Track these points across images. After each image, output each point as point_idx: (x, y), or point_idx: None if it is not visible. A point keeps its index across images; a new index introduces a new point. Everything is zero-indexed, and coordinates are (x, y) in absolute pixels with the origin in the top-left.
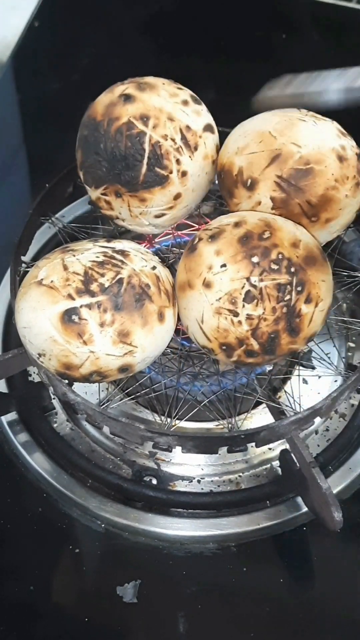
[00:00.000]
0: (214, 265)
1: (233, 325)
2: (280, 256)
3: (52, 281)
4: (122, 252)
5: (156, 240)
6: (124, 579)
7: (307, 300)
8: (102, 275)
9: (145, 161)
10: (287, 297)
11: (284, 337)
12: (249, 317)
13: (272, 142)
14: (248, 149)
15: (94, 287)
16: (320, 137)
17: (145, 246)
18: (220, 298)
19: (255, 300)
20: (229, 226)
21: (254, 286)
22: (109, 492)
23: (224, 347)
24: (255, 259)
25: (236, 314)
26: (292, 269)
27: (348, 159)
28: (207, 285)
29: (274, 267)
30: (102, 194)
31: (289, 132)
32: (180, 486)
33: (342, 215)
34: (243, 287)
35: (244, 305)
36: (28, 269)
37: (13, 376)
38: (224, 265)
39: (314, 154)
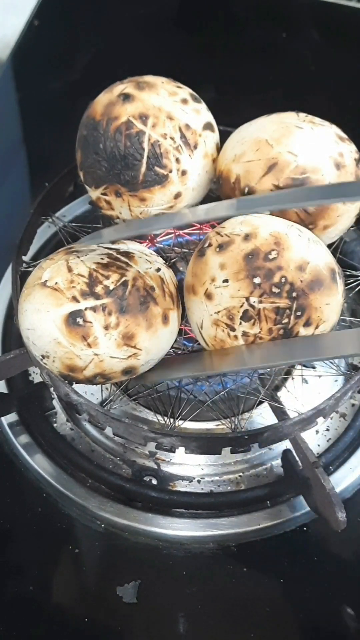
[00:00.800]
0: (217, 279)
1: (229, 338)
2: (283, 280)
3: (56, 283)
4: (127, 254)
5: (157, 239)
6: (124, 579)
7: (307, 324)
8: (107, 277)
9: (144, 160)
10: (285, 321)
11: None
12: (245, 334)
13: (269, 150)
14: (245, 157)
15: (98, 289)
16: (316, 145)
17: (146, 246)
18: (219, 311)
19: (253, 320)
20: (239, 237)
21: (252, 307)
22: (109, 492)
23: None
24: (257, 280)
25: (233, 329)
26: (294, 294)
27: (346, 165)
28: (208, 296)
29: (275, 290)
30: (102, 194)
31: (285, 141)
32: (181, 486)
33: (340, 222)
34: (242, 306)
35: (240, 323)
36: (28, 269)
37: (13, 377)
38: (226, 281)
39: (310, 162)
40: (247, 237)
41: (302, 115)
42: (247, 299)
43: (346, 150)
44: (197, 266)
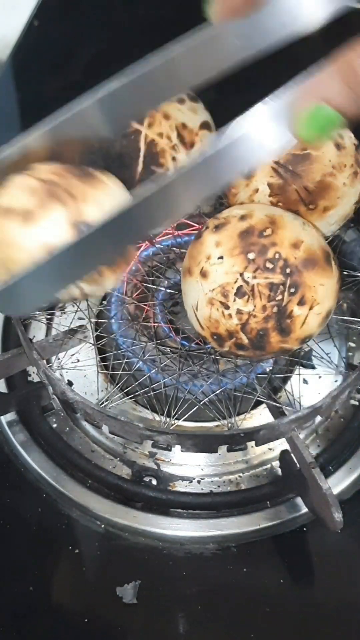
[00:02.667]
0: (212, 256)
1: (224, 317)
2: (277, 256)
3: None
4: None
5: (156, 239)
6: (123, 579)
7: (301, 302)
8: None
9: (140, 160)
10: (279, 297)
11: (273, 336)
12: (239, 312)
13: None
14: None
15: None
16: None
17: (145, 246)
18: (213, 289)
19: (246, 296)
20: (235, 218)
21: (246, 282)
22: (108, 493)
23: (215, 337)
24: (251, 256)
25: (227, 307)
26: (288, 270)
27: (346, 147)
28: (203, 274)
29: (269, 265)
30: None
31: None
32: (180, 486)
33: (340, 205)
34: (236, 282)
35: (234, 300)
36: None
37: (12, 376)
38: (221, 257)
39: None
40: (243, 217)
41: None
42: (242, 275)
43: (345, 134)
44: (194, 248)
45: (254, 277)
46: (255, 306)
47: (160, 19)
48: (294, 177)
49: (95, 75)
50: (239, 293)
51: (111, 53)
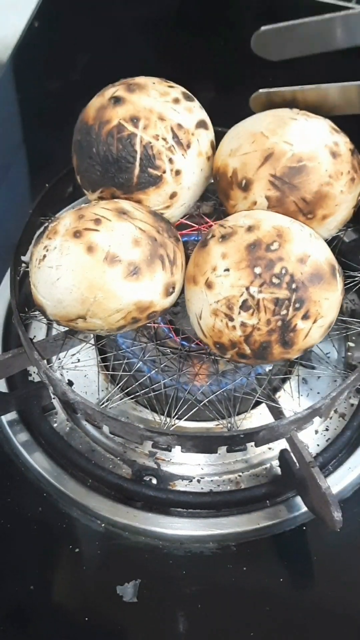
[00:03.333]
0: (218, 268)
1: (227, 329)
2: (283, 271)
3: None
4: None
5: None
6: (124, 578)
7: (305, 317)
8: None
9: (137, 163)
10: (284, 312)
11: (276, 348)
12: (243, 324)
13: (264, 141)
14: (241, 150)
15: None
16: (312, 134)
17: None
18: (218, 300)
19: (251, 310)
20: (242, 229)
21: (252, 296)
22: (108, 492)
23: (217, 346)
24: (257, 270)
25: (231, 319)
26: (294, 285)
27: (341, 154)
28: (208, 285)
29: (275, 281)
30: (99, 197)
31: (281, 131)
32: (180, 486)
33: (338, 212)
34: (241, 295)
35: (239, 313)
36: (28, 269)
37: (13, 376)
38: (227, 270)
39: (306, 151)
40: (250, 229)
41: (296, 110)
42: (247, 289)
43: (341, 140)
44: (199, 256)
45: (260, 292)
46: (259, 320)
47: (160, 19)
48: (291, 189)
49: (94, 75)
50: (244, 306)
51: (111, 53)
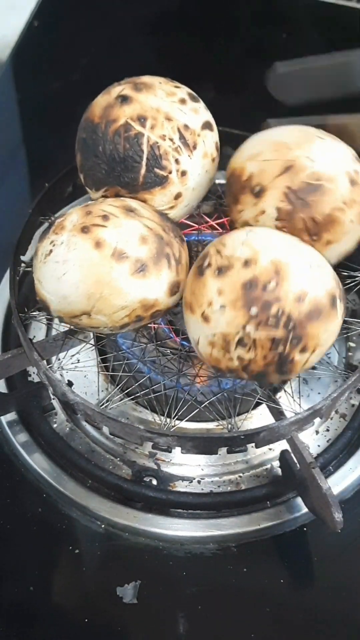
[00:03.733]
0: (214, 303)
1: (224, 358)
2: (280, 312)
3: None
4: None
5: None
6: (124, 579)
7: (303, 350)
8: None
9: (144, 162)
10: (280, 348)
11: (273, 375)
12: (239, 358)
13: (287, 152)
14: (262, 156)
15: None
16: (335, 157)
17: None
18: (215, 334)
19: (247, 347)
20: (238, 262)
21: (248, 335)
22: (108, 493)
23: (215, 368)
24: (254, 311)
25: (228, 351)
26: (291, 325)
27: (359, 184)
28: (205, 318)
29: (272, 322)
30: (103, 196)
31: (306, 146)
32: (180, 487)
33: (343, 240)
34: (237, 333)
35: (236, 348)
36: (28, 269)
37: (13, 376)
38: (223, 307)
39: (326, 171)
40: (247, 263)
41: (323, 132)
42: (244, 327)
43: None
44: (196, 285)
45: (257, 330)
46: (256, 355)
47: (160, 19)
48: (303, 205)
49: (94, 76)
50: (241, 343)
51: (111, 53)
